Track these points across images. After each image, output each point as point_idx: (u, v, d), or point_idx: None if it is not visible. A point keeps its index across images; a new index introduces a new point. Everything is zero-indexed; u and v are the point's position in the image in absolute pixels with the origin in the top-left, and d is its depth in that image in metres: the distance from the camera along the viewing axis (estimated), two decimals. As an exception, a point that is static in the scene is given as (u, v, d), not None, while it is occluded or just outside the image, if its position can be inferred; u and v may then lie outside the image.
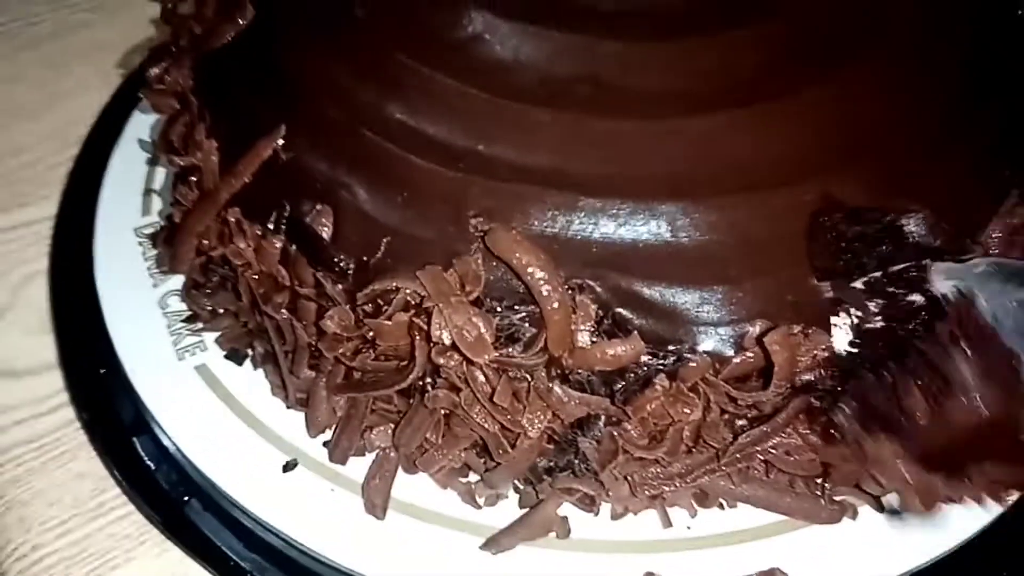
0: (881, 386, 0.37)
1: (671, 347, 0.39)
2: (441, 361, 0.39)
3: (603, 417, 0.40)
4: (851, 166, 0.41)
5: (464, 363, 0.39)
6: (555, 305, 0.38)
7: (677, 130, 0.41)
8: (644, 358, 0.38)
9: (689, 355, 0.38)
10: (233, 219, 0.44)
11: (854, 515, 0.43)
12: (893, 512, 0.42)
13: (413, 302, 0.40)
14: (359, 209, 0.41)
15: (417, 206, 0.41)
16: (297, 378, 0.45)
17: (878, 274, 0.40)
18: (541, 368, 0.39)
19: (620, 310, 0.39)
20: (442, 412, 0.41)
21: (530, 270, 0.38)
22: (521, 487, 0.44)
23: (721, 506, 0.43)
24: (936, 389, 0.36)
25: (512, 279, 0.39)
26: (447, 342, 0.39)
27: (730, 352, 0.39)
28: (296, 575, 0.44)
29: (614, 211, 0.39)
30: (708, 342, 0.39)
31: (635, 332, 0.38)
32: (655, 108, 0.41)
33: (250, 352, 0.49)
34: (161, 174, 0.57)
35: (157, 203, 0.56)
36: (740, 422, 0.40)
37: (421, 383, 0.41)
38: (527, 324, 0.39)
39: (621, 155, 0.40)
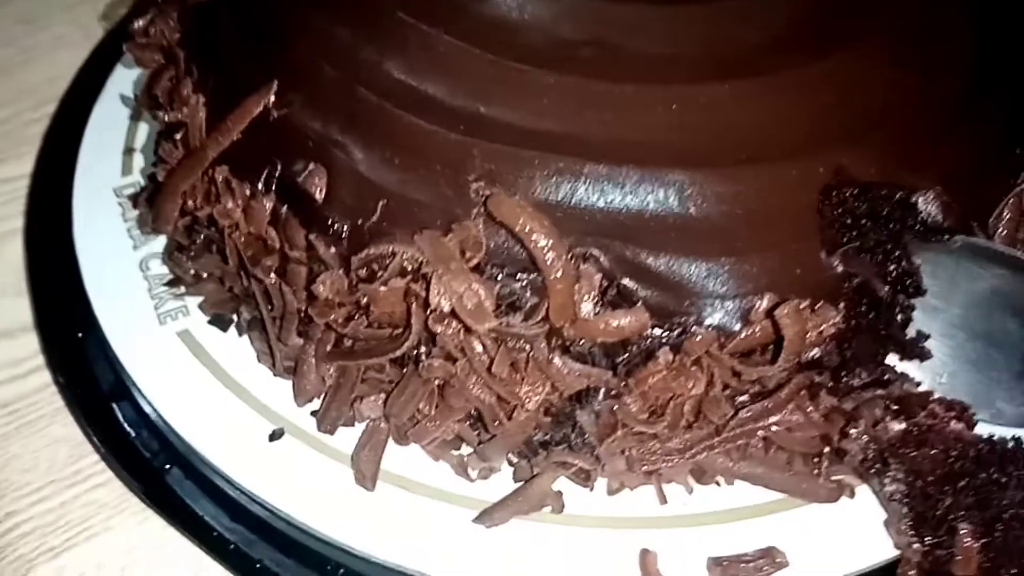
0: None
1: (676, 319, 0.38)
2: (439, 329, 0.38)
3: (603, 390, 0.39)
4: (863, 140, 0.40)
5: (462, 331, 0.38)
6: (558, 274, 0.37)
7: (685, 97, 0.40)
8: (648, 330, 0.38)
9: (694, 328, 0.38)
10: (221, 178, 0.43)
11: (852, 494, 0.42)
12: None
13: (410, 267, 0.39)
14: (354, 170, 0.40)
15: (415, 168, 0.39)
16: (285, 345, 0.44)
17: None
18: (541, 338, 0.38)
19: (625, 280, 0.38)
20: (436, 382, 0.40)
21: (534, 237, 0.37)
22: (515, 460, 0.43)
23: (718, 483, 0.43)
24: None
25: (514, 246, 0.38)
26: (446, 309, 0.37)
27: (736, 326, 0.38)
28: (282, 547, 0.43)
29: (620, 179, 0.38)
30: (714, 315, 0.38)
31: (639, 303, 0.37)
32: (662, 73, 0.40)
33: (235, 318, 0.48)
34: (143, 133, 0.55)
35: (139, 162, 0.54)
36: (741, 398, 0.40)
37: (415, 352, 0.40)
38: (528, 293, 0.38)
39: (627, 121, 0.39)
